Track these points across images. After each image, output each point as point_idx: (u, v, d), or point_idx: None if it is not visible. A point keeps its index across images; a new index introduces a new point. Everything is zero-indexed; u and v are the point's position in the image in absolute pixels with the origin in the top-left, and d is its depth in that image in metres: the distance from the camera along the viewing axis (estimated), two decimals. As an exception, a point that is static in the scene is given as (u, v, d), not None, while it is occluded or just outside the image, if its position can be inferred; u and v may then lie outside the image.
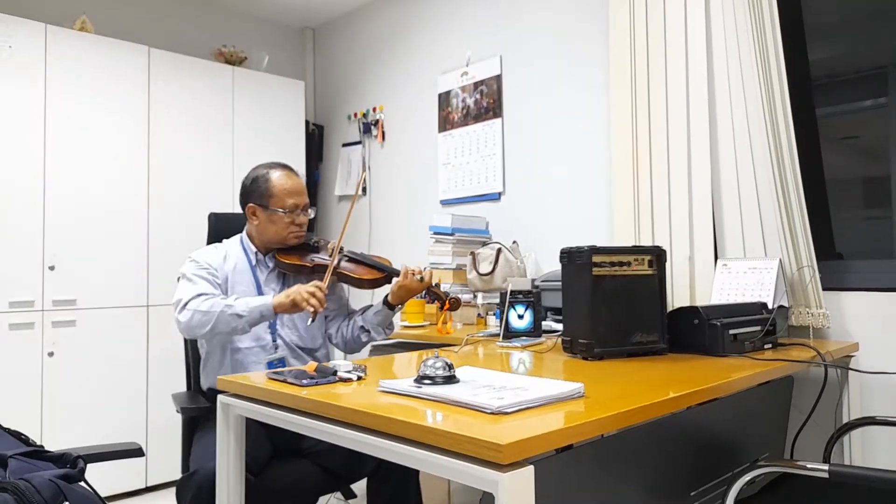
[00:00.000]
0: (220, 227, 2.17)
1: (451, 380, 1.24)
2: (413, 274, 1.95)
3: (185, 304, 1.77)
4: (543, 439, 0.92)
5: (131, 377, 3.10)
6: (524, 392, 1.14)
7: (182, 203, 3.33)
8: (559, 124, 2.91)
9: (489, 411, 1.03)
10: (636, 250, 1.73)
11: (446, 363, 1.25)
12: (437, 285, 2.03)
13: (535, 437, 0.91)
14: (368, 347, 2.61)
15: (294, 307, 1.76)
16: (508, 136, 3.13)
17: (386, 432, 1.04)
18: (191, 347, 2.07)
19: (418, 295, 2.07)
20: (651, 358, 1.67)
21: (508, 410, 1.03)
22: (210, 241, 2.12)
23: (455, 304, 2.01)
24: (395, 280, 1.98)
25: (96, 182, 3.08)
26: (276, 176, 1.95)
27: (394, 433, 1.02)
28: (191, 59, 3.40)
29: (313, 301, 1.74)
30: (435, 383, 1.22)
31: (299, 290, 1.76)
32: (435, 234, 3.03)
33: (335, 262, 1.93)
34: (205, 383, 1.93)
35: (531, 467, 0.89)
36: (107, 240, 3.09)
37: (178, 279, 1.87)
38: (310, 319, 1.78)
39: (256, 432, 1.75)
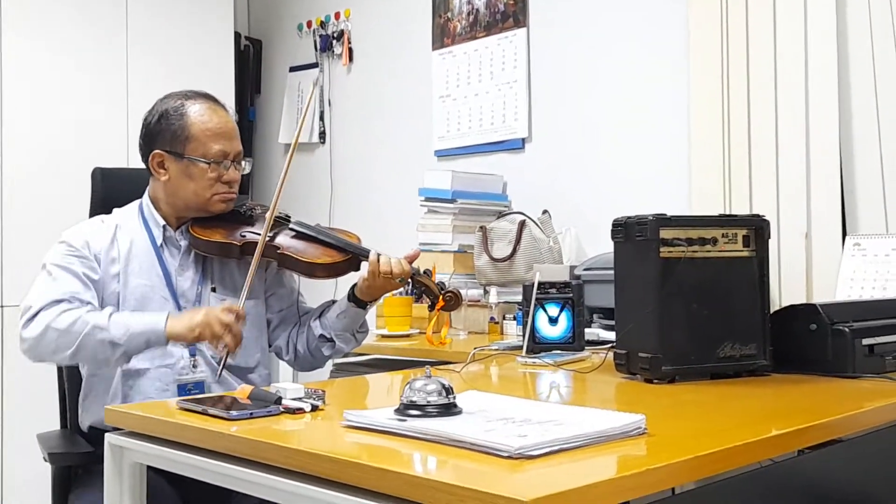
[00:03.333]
0: (112, 190, 2.16)
1: (449, 409, 1.24)
2: (381, 267, 1.92)
3: (36, 313, 1.77)
4: (586, 495, 0.92)
5: (-25, 410, 3.12)
6: (557, 427, 1.14)
7: (51, 157, 3.33)
8: (612, 37, 2.89)
9: (506, 454, 1.03)
10: (726, 221, 1.73)
11: (442, 385, 1.25)
12: (427, 273, 2.03)
13: (572, 490, 0.91)
14: (329, 365, 2.62)
15: (195, 342, 1.78)
16: (537, 56, 3.11)
17: (353, 485, 1.04)
18: (66, 369, 2.08)
19: (403, 286, 2.07)
20: (746, 380, 1.67)
21: (534, 453, 1.03)
22: (95, 213, 2.12)
23: (453, 301, 2.00)
24: (364, 265, 1.98)
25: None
26: (195, 110, 1.94)
27: (364, 486, 1.03)
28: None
29: (227, 339, 1.73)
30: (426, 415, 1.22)
31: (209, 322, 1.74)
32: (427, 200, 3.03)
33: (269, 236, 1.92)
34: (86, 419, 1.93)
35: (567, 535, 0.89)
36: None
37: (41, 268, 1.87)
38: (220, 362, 1.79)
39: (163, 489, 1.75)
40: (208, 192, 1.94)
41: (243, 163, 2.00)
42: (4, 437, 3.14)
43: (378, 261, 1.92)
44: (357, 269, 2.00)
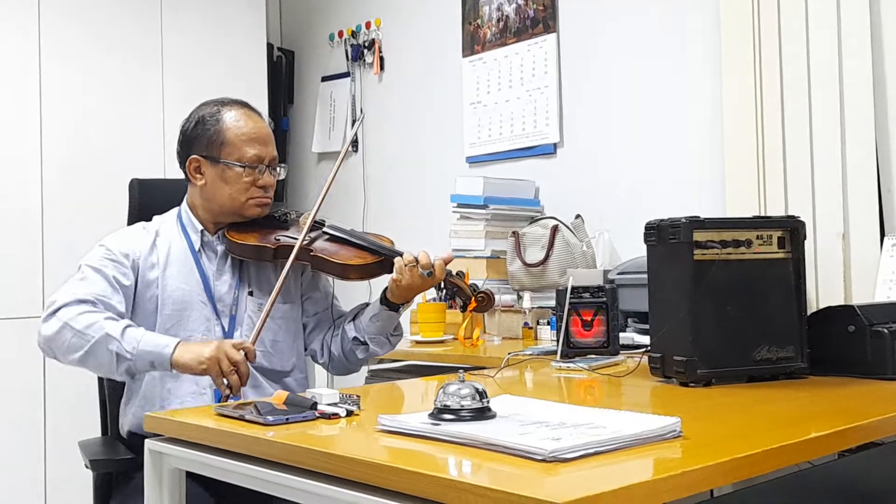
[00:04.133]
0: (148, 200, 2.20)
1: (483, 413, 1.24)
2: (410, 266, 1.91)
3: (58, 308, 1.79)
4: (620, 497, 0.92)
5: (21, 416, 3.15)
6: (592, 431, 1.14)
7: (90, 169, 3.39)
8: (642, 40, 2.88)
9: (540, 457, 1.03)
10: (760, 223, 1.73)
11: (476, 389, 1.26)
12: (460, 275, 2.03)
13: (607, 493, 0.91)
14: (364, 371, 2.64)
15: (201, 374, 1.75)
16: (568, 61, 3.11)
17: (387, 489, 1.05)
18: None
19: (437, 292, 2.07)
20: (783, 383, 1.66)
21: (569, 456, 1.03)
22: (133, 221, 2.16)
23: (485, 301, 2.01)
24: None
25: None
26: (230, 117, 1.98)
27: (398, 490, 1.03)
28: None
29: (233, 378, 1.71)
30: (460, 419, 1.23)
31: (219, 357, 1.71)
32: (459, 206, 3.04)
33: (305, 240, 1.94)
34: (125, 424, 1.96)
35: (602, 537, 0.89)
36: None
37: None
38: (221, 398, 1.75)
39: (201, 495, 1.77)
40: (243, 196, 1.96)
41: (279, 168, 2.02)
42: (48, 446, 3.19)
43: (405, 256, 1.92)
44: (390, 271, 2.01)
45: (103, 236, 2.01)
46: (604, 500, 0.91)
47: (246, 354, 1.74)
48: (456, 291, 2.01)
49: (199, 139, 1.97)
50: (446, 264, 1.96)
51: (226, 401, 1.70)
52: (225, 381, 1.71)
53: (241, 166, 1.94)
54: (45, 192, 3.32)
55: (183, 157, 2.00)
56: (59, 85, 3.38)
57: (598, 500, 0.90)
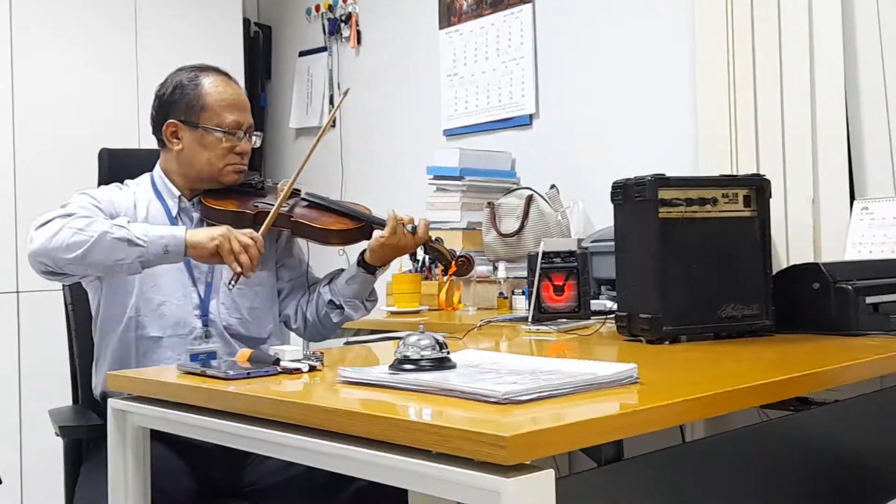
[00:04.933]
0: (118, 170, 2.18)
1: (443, 363, 1.25)
2: (402, 224, 1.96)
3: (51, 218, 1.77)
4: (568, 433, 0.93)
5: (-6, 388, 3.17)
6: (548, 376, 1.15)
7: (63, 141, 3.36)
8: (617, 9, 2.88)
9: (494, 400, 1.04)
10: (725, 181, 1.74)
11: (435, 340, 1.27)
12: (439, 241, 2.05)
13: (554, 428, 0.92)
14: (340, 344, 2.64)
15: (214, 256, 1.75)
16: (543, 31, 3.11)
17: (344, 433, 1.05)
18: (77, 345, 2.11)
19: (412, 262, 2.09)
20: (749, 340, 1.67)
21: (521, 398, 1.04)
22: (102, 188, 2.15)
23: (465, 265, 2.03)
24: (376, 233, 2.00)
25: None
26: (209, 82, 1.98)
27: (355, 434, 1.04)
28: (70, -73, 3.43)
29: (243, 258, 1.74)
30: (420, 369, 1.24)
31: (229, 236, 1.75)
32: (436, 178, 3.04)
33: (284, 206, 1.94)
34: (99, 387, 1.96)
35: (550, 472, 0.90)
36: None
37: None
38: (231, 282, 1.80)
39: (172, 462, 1.77)
40: (221, 161, 1.96)
41: (254, 136, 2.02)
42: (23, 413, 3.21)
43: (396, 215, 1.97)
44: (368, 237, 2.03)
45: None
46: (550, 435, 0.92)
47: (255, 242, 1.77)
48: (436, 256, 2.06)
49: (177, 104, 1.96)
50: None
51: (237, 281, 1.77)
52: (235, 262, 1.73)
53: (220, 132, 1.94)
54: (18, 165, 3.30)
55: (159, 121, 1.99)
56: (31, 58, 3.35)
57: (545, 434, 0.91)
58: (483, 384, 1.11)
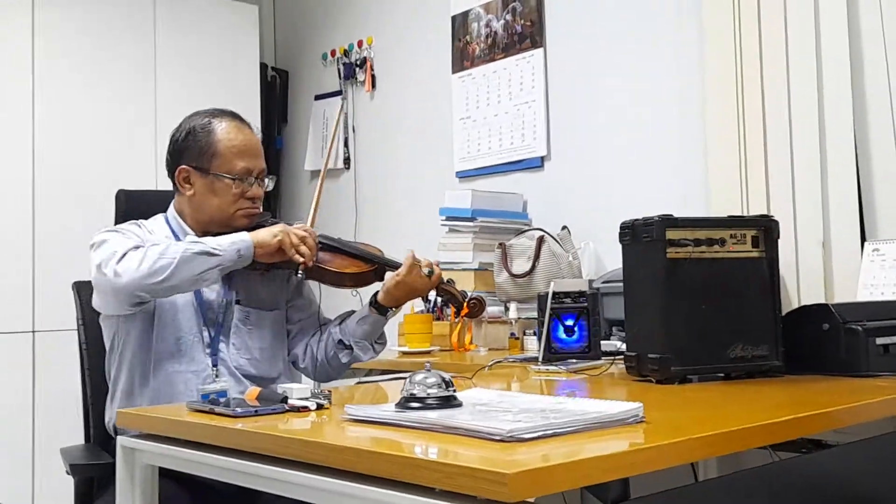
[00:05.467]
0: (135, 211, 2.21)
1: (449, 402, 1.26)
2: (419, 266, 1.98)
3: (124, 253, 1.81)
4: (570, 470, 0.93)
5: (10, 427, 3.17)
6: (553, 414, 1.15)
7: (81, 183, 3.42)
8: (627, 54, 2.92)
9: (499, 437, 1.04)
10: (733, 222, 1.75)
11: (442, 378, 1.27)
12: (451, 283, 2.07)
13: (556, 465, 0.92)
14: (352, 383, 2.64)
15: (278, 253, 1.86)
16: (554, 76, 3.14)
17: (349, 471, 1.06)
18: (90, 384, 2.12)
19: (424, 303, 2.10)
20: (759, 381, 1.67)
21: (526, 436, 1.04)
22: (118, 230, 2.18)
23: (477, 307, 2.04)
24: (388, 275, 2.02)
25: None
26: (221, 128, 2.00)
27: (360, 471, 1.04)
28: (93, -25, 3.52)
29: (303, 248, 1.86)
30: (426, 407, 1.24)
31: (287, 230, 1.88)
32: (448, 219, 3.06)
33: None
34: (112, 420, 1.96)
35: (552, 510, 0.90)
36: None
37: (93, 248, 1.90)
38: (298, 275, 1.91)
39: (181, 501, 1.77)
40: (232, 207, 1.98)
41: (267, 180, 2.04)
42: (37, 452, 3.22)
43: (414, 256, 2.01)
44: (381, 279, 2.05)
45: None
46: (553, 473, 0.92)
47: (309, 233, 1.91)
48: (449, 298, 2.07)
49: (189, 150, 1.99)
50: None
51: (304, 269, 1.91)
52: (297, 254, 1.87)
53: (230, 178, 1.96)
54: (37, 205, 3.35)
55: (172, 166, 2.02)
56: (52, 100, 3.42)
57: (547, 472, 0.92)
58: (488, 422, 1.11)
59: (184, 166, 1.98)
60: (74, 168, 3.44)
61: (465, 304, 2.04)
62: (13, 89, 3.34)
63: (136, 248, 1.82)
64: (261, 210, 2.05)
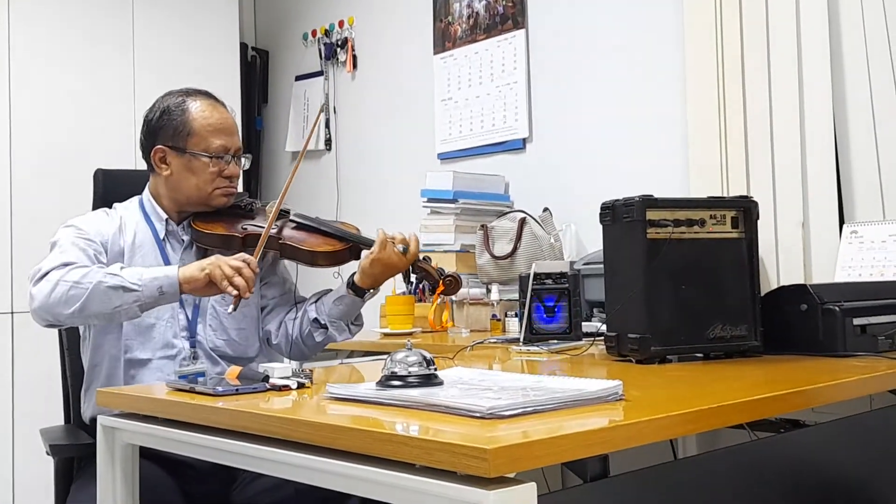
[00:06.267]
0: (112, 190, 2.20)
1: (430, 380, 1.26)
2: (393, 242, 1.97)
3: (46, 272, 1.78)
4: (549, 446, 0.94)
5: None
6: (533, 392, 1.16)
7: (60, 162, 3.39)
8: (609, 35, 2.92)
9: (479, 415, 1.05)
10: (713, 202, 1.75)
11: (424, 357, 1.28)
12: (427, 260, 2.06)
13: (535, 441, 0.93)
14: (335, 363, 2.64)
15: (209, 287, 1.76)
16: (536, 56, 3.14)
17: (330, 447, 1.06)
18: (69, 365, 2.11)
19: (406, 285, 2.09)
20: (738, 360, 1.68)
21: (506, 413, 1.05)
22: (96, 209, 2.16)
23: (453, 284, 2.03)
24: (365, 253, 2.01)
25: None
26: (196, 107, 1.99)
27: (341, 448, 1.05)
28: (70, -47, 3.47)
29: (238, 280, 1.74)
30: (407, 385, 1.24)
31: (219, 263, 1.77)
32: (429, 201, 3.06)
33: (274, 228, 1.96)
34: (87, 411, 1.96)
35: (532, 485, 0.91)
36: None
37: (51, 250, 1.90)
38: (230, 307, 1.81)
39: (162, 480, 1.77)
40: (209, 186, 1.97)
41: (242, 159, 2.04)
42: (16, 434, 3.21)
43: (386, 233, 1.97)
44: (357, 257, 2.03)
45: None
46: (533, 448, 0.92)
47: (248, 265, 1.77)
48: (424, 276, 2.05)
49: (164, 129, 1.98)
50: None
51: (237, 303, 1.77)
52: (230, 286, 1.73)
53: (207, 157, 1.95)
54: (15, 184, 3.33)
55: (147, 147, 2.00)
56: (29, 79, 3.39)
57: (527, 447, 0.92)
58: (469, 399, 1.11)
59: (160, 146, 1.97)
60: (52, 147, 3.41)
61: (441, 282, 2.03)
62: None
63: (65, 265, 1.79)
64: (238, 189, 2.05)
